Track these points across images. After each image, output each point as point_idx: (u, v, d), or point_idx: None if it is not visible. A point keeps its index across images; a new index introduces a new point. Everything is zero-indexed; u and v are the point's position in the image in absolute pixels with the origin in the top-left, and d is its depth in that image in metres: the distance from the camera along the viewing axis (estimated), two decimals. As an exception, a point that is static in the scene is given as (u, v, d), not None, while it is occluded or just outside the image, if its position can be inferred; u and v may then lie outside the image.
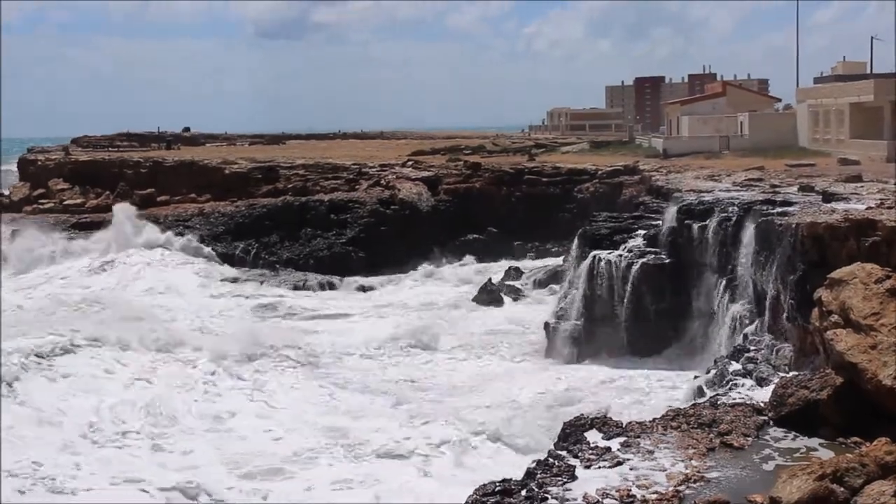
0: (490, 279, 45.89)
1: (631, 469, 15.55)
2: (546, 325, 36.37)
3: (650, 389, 29.83)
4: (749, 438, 17.03)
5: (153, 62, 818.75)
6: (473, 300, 44.17)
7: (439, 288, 47.42)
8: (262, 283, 47.38)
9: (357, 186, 57.56)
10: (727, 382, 22.86)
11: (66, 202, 59.79)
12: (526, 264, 49.91)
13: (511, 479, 15.60)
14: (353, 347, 36.61)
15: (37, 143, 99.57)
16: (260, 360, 33.54)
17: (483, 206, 53.85)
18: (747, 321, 28.26)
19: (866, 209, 25.78)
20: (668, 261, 33.89)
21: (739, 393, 21.05)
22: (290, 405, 29.36)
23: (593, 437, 17.65)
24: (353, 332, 38.98)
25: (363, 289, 47.35)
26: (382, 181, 56.94)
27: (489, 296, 44.13)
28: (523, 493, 14.91)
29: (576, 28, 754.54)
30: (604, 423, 18.38)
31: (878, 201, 27.91)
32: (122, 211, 53.00)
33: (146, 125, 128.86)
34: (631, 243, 35.94)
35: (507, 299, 44.24)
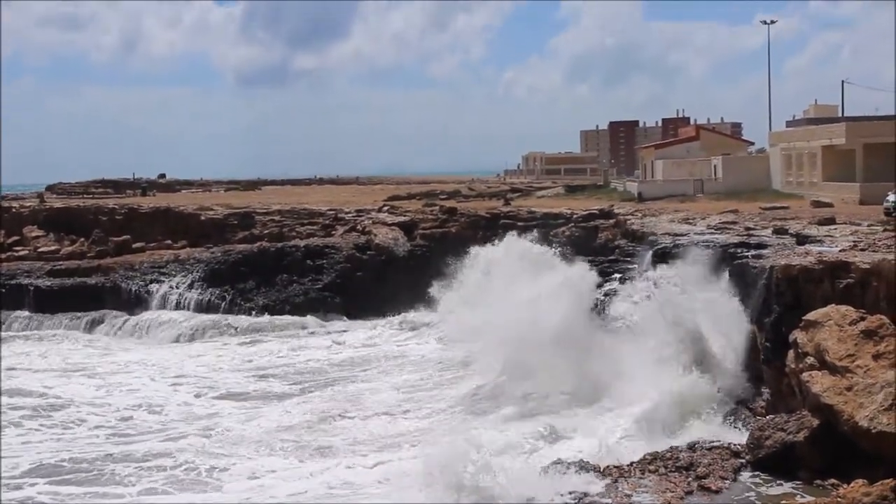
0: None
1: (609, 514, 15.49)
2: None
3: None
4: (727, 481, 17.04)
5: (132, 110, 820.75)
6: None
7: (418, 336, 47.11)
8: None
9: (333, 232, 57.45)
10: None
11: (40, 249, 59.37)
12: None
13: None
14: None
15: (11, 190, 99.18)
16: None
17: (459, 251, 53.72)
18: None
19: (840, 251, 25.98)
20: (644, 304, 33.87)
21: (716, 436, 21.04)
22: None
23: (571, 479, 17.60)
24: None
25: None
26: (358, 226, 56.88)
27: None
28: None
29: (554, 74, 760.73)
30: (581, 467, 18.33)
31: (852, 243, 28.14)
32: None
33: (123, 172, 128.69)
34: (607, 287, 35.99)
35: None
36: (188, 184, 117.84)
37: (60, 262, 55.60)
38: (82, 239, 60.04)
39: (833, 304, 20.42)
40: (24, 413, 31.87)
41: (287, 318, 47.88)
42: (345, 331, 46.54)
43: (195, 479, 24.34)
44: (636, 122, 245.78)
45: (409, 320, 47.17)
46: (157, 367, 39.48)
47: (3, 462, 25.73)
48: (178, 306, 49.86)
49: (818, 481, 17.00)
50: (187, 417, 31.03)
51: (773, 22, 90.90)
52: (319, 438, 27.53)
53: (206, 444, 27.49)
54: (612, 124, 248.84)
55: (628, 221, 46.11)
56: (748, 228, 37.03)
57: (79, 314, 49.61)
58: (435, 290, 46.94)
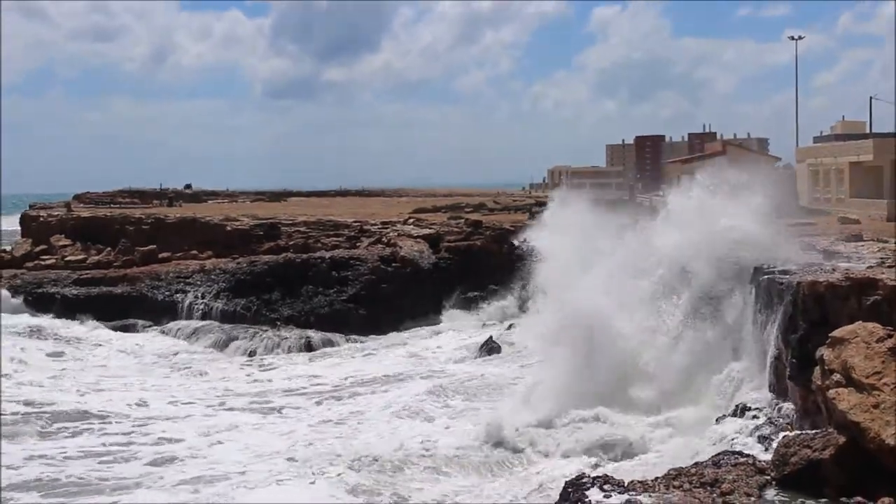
0: (491, 336, 45.71)
1: (633, 529, 15.45)
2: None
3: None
4: (752, 498, 16.93)
5: (160, 122, 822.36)
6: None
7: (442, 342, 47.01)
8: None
9: (358, 244, 57.62)
10: (729, 441, 22.77)
11: (67, 258, 59.79)
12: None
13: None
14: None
15: (40, 200, 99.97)
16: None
17: (484, 264, 53.83)
18: (749, 380, 28.16)
19: (867, 268, 25.81)
20: (669, 319, 33.77)
21: (741, 452, 20.92)
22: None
23: (595, 495, 17.53)
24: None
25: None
26: (383, 238, 57.05)
27: (490, 351, 43.92)
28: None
29: (580, 89, 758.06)
30: (605, 482, 18.26)
31: (879, 260, 27.95)
32: None
33: (150, 182, 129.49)
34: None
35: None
36: (214, 194, 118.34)
37: (87, 271, 56.01)
38: (109, 248, 60.38)
39: (860, 321, 20.29)
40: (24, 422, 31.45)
41: (311, 333, 47.81)
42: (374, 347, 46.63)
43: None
44: (662, 137, 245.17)
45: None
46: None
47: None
48: (204, 317, 50.17)
49: (843, 499, 16.88)
50: (200, 432, 30.82)
51: (801, 38, 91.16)
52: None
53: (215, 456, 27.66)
54: (637, 138, 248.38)
55: (654, 236, 45.84)
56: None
57: (105, 323, 50.01)
58: None
